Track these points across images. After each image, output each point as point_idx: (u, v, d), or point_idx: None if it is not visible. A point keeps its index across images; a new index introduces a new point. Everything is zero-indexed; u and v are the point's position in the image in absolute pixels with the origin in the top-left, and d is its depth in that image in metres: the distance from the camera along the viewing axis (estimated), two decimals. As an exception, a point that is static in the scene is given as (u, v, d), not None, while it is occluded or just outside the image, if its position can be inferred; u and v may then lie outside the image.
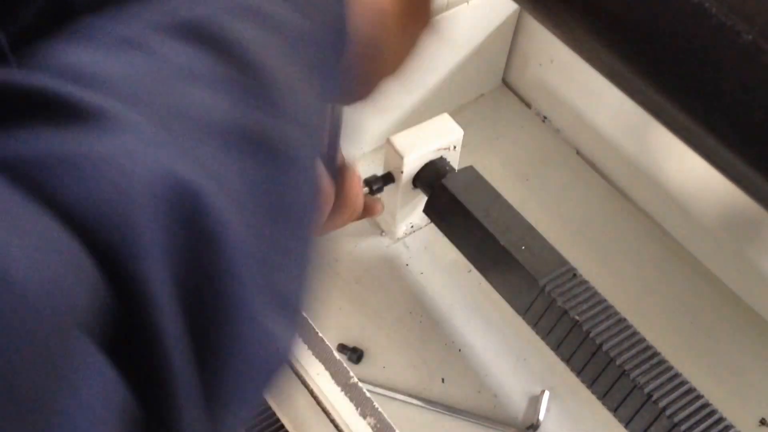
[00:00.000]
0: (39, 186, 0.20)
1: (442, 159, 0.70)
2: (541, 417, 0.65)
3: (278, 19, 0.29)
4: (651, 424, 0.56)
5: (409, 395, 0.66)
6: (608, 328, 0.59)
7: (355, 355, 0.67)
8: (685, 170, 0.75)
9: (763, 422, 0.67)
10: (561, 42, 0.83)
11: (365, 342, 0.69)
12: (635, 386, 0.57)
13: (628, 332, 0.59)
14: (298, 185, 0.27)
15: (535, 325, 0.63)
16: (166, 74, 0.25)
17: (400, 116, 0.82)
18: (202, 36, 0.26)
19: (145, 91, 0.24)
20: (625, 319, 0.60)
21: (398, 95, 0.79)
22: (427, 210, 0.69)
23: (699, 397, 0.57)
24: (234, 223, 0.23)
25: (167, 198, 0.21)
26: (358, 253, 0.75)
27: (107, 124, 0.22)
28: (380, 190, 0.70)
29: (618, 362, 0.57)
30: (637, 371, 0.57)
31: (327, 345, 0.54)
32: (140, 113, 0.23)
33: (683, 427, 0.55)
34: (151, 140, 0.22)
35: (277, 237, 0.25)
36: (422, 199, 0.72)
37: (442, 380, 0.67)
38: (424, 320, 0.71)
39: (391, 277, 0.74)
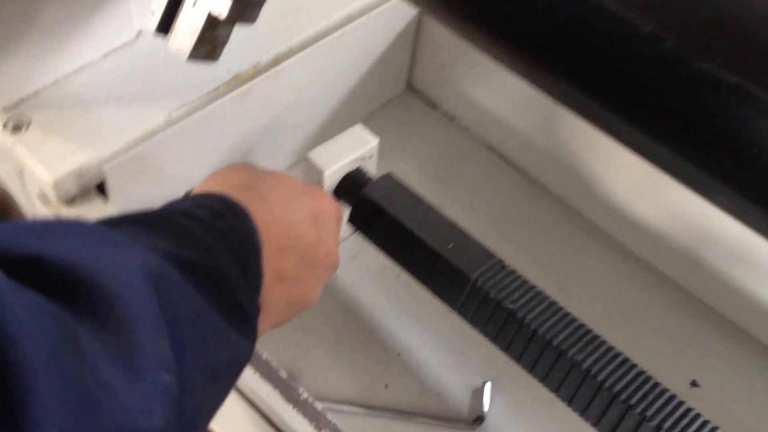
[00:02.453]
0: None
1: (360, 169, 0.71)
2: (486, 408, 0.67)
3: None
4: (593, 399, 0.59)
5: (355, 405, 0.67)
6: (541, 312, 0.61)
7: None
8: (594, 152, 0.78)
9: (693, 383, 0.71)
10: (461, 43, 0.86)
11: (304, 358, 0.70)
12: (573, 364, 0.59)
13: (560, 314, 0.61)
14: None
15: (470, 319, 0.64)
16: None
17: (312, 131, 0.83)
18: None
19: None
20: (555, 303, 0.62)
21: (308, 110, 0.80)
22: (352, 220, 0.70)
23: (633, 366, 0.59)
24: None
25: None
26: (288, 271, 0.75)
27: None
28: (303, 206, 0.70)
29: (555, 343, 0.59)
30: (574, 350, 0.59)
31: (273, 366, 0.54)
32: None
33: (622, 396, 0.57)
34: None
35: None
36: (344, 211, 0.73)
37: (386, 386, 0.69)
38: (360, 329, 0.72)
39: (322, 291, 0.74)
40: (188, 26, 0.55)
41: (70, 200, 0.63)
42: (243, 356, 0.39)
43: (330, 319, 0.72)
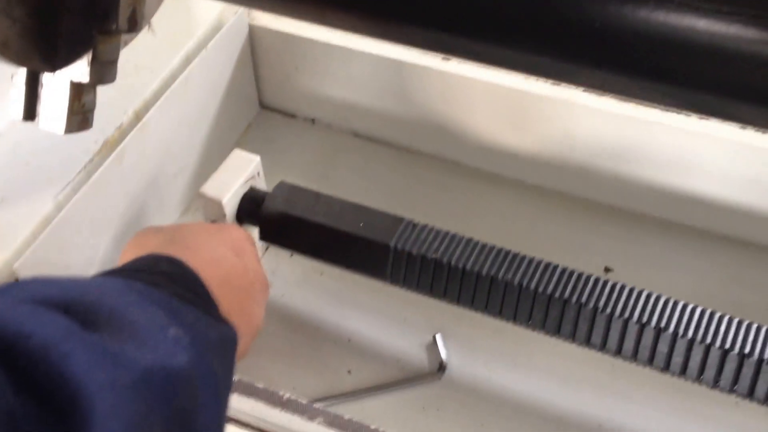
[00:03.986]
0: None
1: (253, 188, 0.74)
2: (444, 357, 0.72)
3: None
4: (532, 307, 0.64)
5: (329, 398, 0.69)
6: (463, 251, 0.66)
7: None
8: (449, 103, 0.84)
9: (607, 269, 0.78)
10: (296, 48, 0.89)
11: (263, 378, 0.72)
12: (506, 284, 0.64)
13: (478, 246, 0.67)
14: None
15: (402, 282, 0.68)
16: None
17: (190, 174, 0.85)
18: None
19: None
20: (471, 238, 0.67)
21: (181, 155, 0.82)
22: (264, 237, 0.73)
23: (556, 267, 0.65)
24: None
25: None
26: (218, 308, 0.77)
27: None
28: (210, 242, 0.73)
29: (484, 272, 0.65)
30: (502, 271, 0.65)
31: (247, 380, 0.57)
32: None
33: (556, 294, 0.63)
34: None
35: None
36: (251, 232, 0.75)
37: (349, 372, 0.72)
38: (305, 332, 0.75)
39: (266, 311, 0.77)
40: (55, 102, 0.56)
41: (-10, 310, 0.63)
42: (228, 335, 0.44)
43: (274, 335, 0.75)
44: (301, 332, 0.75)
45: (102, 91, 0.71)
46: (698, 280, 0.77)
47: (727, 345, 0.61)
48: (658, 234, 0.81)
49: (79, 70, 0.55)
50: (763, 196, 0.77)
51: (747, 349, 0.61)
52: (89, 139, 0.71)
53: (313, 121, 0.94)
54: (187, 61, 0.81)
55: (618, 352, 0.64)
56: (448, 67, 0.81)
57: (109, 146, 0.72)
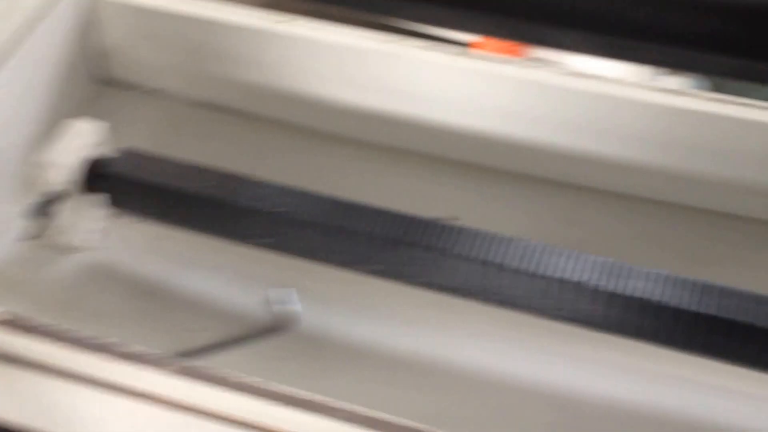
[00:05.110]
0: None
1: (93, 156, 0.73)
2: (292, 310, 0.73)
3: None
4: (370, 253, 0.67)
5: (178, 357, 0.69)
6: (299, 203, 0.68)
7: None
8: (284, 62, 0.85)
9: (454, 219, 0.81)
10: (134, 21, 0.87)
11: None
12: (345, 232, 0.66)
13: (315, 198, 0.69)
14: None
15: (246, 239, 0.70)
16: None
17: (24, 155, 0.82)
18: None
19: None
20: (308, 192, 0.69)
21: (14, 134, 0.79)
22: (115, 202, 0.73)
23: (390, 212, 0.67)
24: None
25: None
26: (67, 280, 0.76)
27: None
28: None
29: (321, 222, 0.67)
30: (337, 219, 0.67)
31: (85, 338, 0.57)
32: None
33: (394, 237, 0.66)
34: None
35: None
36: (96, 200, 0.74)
37: (197, 331, 0.72)
38: (153, 296, 0.75)
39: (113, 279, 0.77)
40: None
41: None
42: None
43: (119, 301, 0.74)
44: (148, 297, 0.75)
45: None
46: (534, 222, 0.82)
47: (567, 275, 0.64)
48: (496, 183, 0.85)
49: None
50: (578, 138, 0.82)
51: (583, 278, 0.64)
52: None
53: (154, 92, 0.93)
54: (18, 34, 0.78)
55: (456, 291, 0.67)
56: (283, 30, 0.82)
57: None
